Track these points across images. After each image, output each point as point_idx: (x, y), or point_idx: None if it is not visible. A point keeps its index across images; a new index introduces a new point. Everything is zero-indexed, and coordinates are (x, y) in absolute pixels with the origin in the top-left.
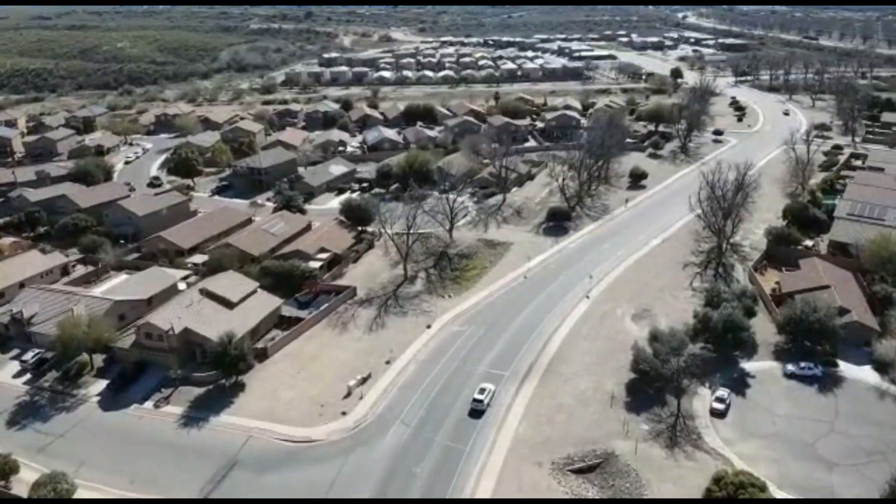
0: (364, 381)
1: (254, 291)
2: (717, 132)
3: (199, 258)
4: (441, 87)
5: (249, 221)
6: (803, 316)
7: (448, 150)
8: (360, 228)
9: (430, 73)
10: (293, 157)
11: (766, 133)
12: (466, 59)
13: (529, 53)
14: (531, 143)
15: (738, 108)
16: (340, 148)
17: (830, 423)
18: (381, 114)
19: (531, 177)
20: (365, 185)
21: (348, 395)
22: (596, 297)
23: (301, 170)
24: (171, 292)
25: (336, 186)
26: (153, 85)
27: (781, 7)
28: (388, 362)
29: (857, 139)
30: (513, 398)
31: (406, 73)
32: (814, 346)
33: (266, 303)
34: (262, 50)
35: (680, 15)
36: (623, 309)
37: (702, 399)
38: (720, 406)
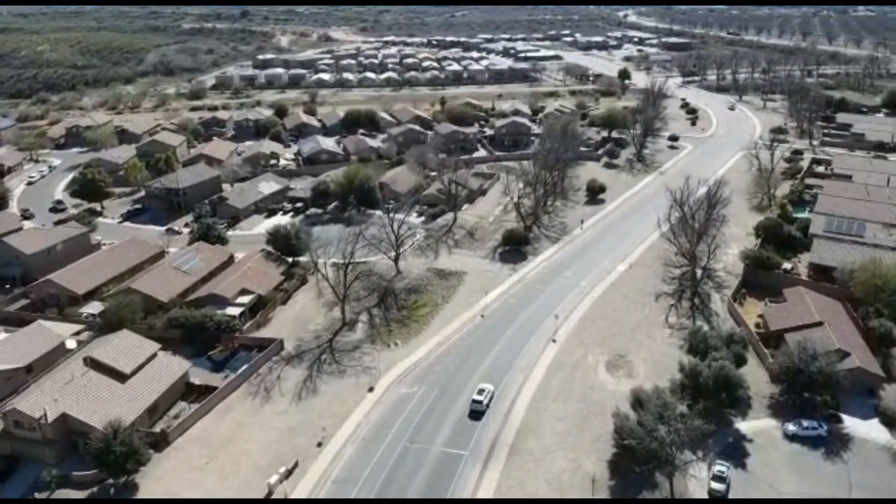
0: (289, 473)
1: (153, 356)
2: (673, 138)
3: (95, 307)
4: (384, 90)
5: (162, 255)
6: (802, 366)
7: (392, 162)
8: (290, 260)
9: (372, 75)
10: (217, 175)
11: (722, 137)
12: (410, 61)
13: (474, 54)
14: (481, 152)
15: (691, 112)
16: (273, 161)
17: (846, 499)
18: (320, 120)
19: (483, 192)
20: (299, 205)
21: (269, 495)
22: (563, 339)
23: (227, 187)
24: (56, 354)
25: (266, 207)
26: (71, 91)
27: (719, 6)
28: (319, 444)
29: (815, 142)
30: (474, 489)
31: (347, 75)
32: (813, 397)
33: (169, 370)
34: (193, 51)
35: (621, 14)
36: (595, 356)
37: (697, 477)
38: (720, 487)
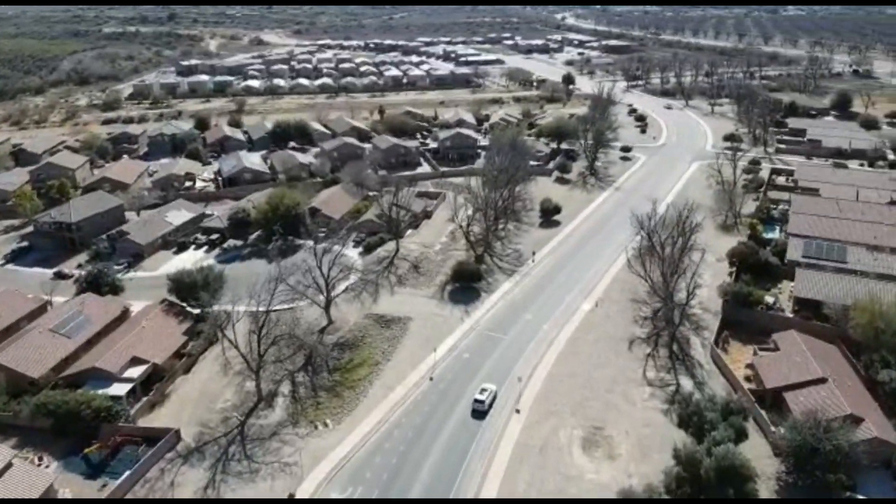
0: None
1: (8, 466)
2: (626, 149)
3: None
4: (318, 98)
5: (44, 309)
6: (815, 443)
7: (326, 181)
8: (197, 312)
9: (305, 82)
10: (120, 204)
11: (674, 147)
12: (346, 66)
13: (414, 58)
14: (424, 167)
15: (640, 119)
16: (188, 183)
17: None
18: (245, 132)
19: (427, 215)
20: (215, 237)
21: None
22: (528, 408)
23: (134, 216)
24: None
25: (176, 241)
26: None
27: (653, 7)
28: None
29: (770, 150)
30: None
31: (278, 81)
32: (824, 476)
33: (25, 485)
34: (111, 57)
35: (559, 16)
36: (567, 430)
37: None
38: None
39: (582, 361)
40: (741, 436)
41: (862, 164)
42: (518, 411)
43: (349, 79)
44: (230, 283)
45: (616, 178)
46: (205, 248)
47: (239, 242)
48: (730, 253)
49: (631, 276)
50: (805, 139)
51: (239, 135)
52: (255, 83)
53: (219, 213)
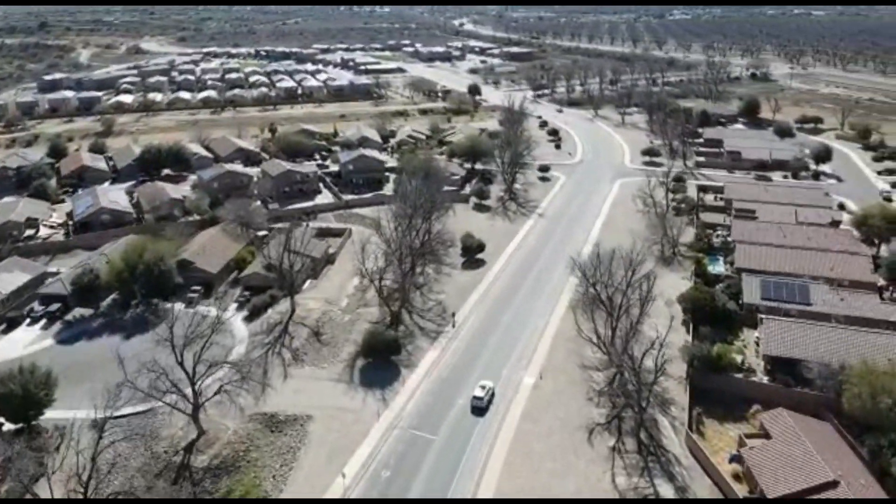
0: None
1: None
2: (544, 168)
3: None
4: (201, 113)
5: None
6: None
7: (204, 220)
8: (23, 426)
9: (186, 95)
10: None
11: (592, 164)
12: (234, 76)
13: (310, 66)
14: (324, 196)
15: (553, 133)
16: (30, 231)
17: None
18: (110, 159)
19: (330, 258)
20: (56, 306)
21: None
22: None
23: None
24: None
25: (4, 316)
26: None
27: (548, 13)
28: None
29: (690, 164)
30: None
31: (154, 95)
32: None
33: None
34: None
35: (457, 22)
36: None
37: None
38: None
39: (536, 468)
40: None
41: (786, 176)
42: None
43: (237, 91)
44: (73, 372)
45: (538, 203)
46: (42, 322)
47: (88, 312)
48: (682, 298)
49: (573, 331)
50: (723, 150)
51: (101, 163)
52: (127, 98)
53: (66, 271)
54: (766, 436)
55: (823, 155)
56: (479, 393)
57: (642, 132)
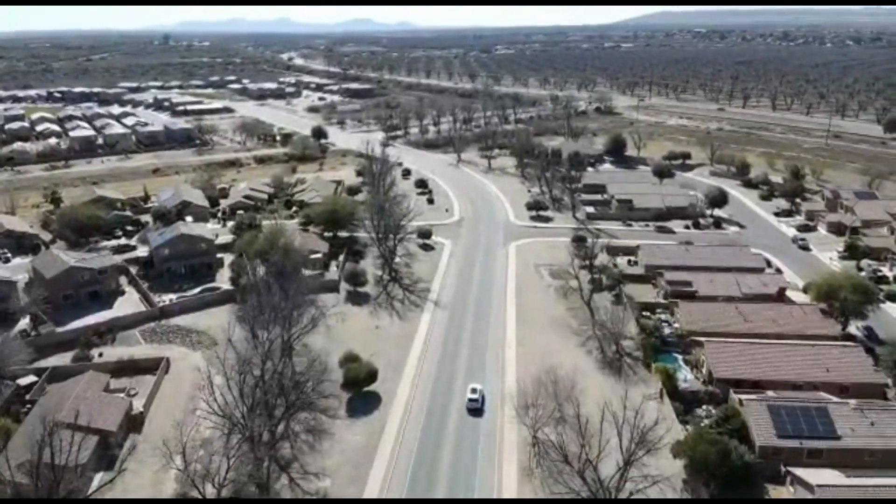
0: None
1: None
2: (424, 234)
3: None
4: None
5: None
6: None
7: None
8: None
9: None
10: None
11: (475, 222)
12: (16, 126)
13: (115, 108)
14: (129, 295)
15: (421, 184)
16: None
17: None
18: None
19: (133, 422)
20: None
21: None
22: None
23: None
24: None
25: None
26: None
27: (378, 48)
28: None
29: (580, 216)
30: None
31: None
32: None
33: None
34: None
35: (285, 56)
36: None
37: None
38: None
39: None
40: None
41: (688, 227)
42: None
43: (17, 145)
44: None
45: (428, 283)
46: None
47: None
48: (679, 450)
49: None
50: (609, 197)
51: None
52: None
53: None
54: None
55: (719, 199)
56: None
57: (514, 178)
